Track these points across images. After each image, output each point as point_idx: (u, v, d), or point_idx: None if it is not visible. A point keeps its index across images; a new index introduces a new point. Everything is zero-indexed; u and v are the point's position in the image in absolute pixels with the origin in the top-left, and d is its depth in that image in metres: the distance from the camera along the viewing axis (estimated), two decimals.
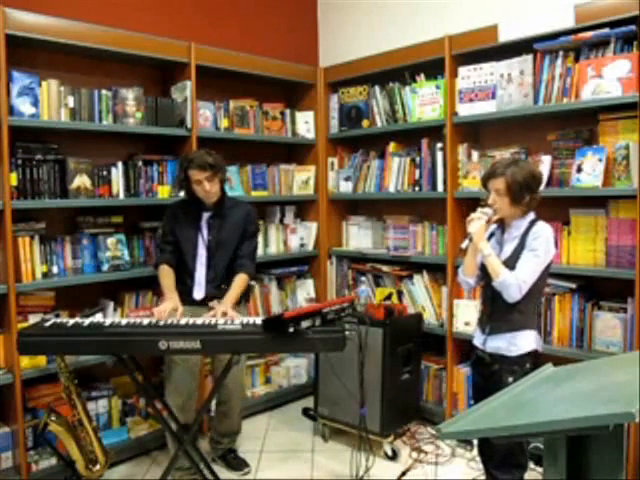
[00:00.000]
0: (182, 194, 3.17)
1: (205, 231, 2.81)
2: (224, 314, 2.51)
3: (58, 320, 2.46)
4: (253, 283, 3.66)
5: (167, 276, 2.78)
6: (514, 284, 2.17)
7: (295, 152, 4.07)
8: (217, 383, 2.52)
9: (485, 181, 2.30)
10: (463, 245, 2.34)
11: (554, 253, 2.28)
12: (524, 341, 2.25)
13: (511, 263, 2.23)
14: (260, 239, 3.68)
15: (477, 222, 2.27)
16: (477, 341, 2.41)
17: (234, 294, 2.71)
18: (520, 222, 2.28)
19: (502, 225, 2.35)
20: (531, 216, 2.29)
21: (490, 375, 2.30)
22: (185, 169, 2.72)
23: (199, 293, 2.81)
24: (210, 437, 3.08)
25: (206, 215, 2.82)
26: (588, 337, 2.77)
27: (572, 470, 1.31)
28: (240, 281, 2.77)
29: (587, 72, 2.67)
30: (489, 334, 2.32)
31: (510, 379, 2.18)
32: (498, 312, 2.29)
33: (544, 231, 2.23)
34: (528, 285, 2.19)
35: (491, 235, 2.39)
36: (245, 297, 3.03)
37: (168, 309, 2.57)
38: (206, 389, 3.19)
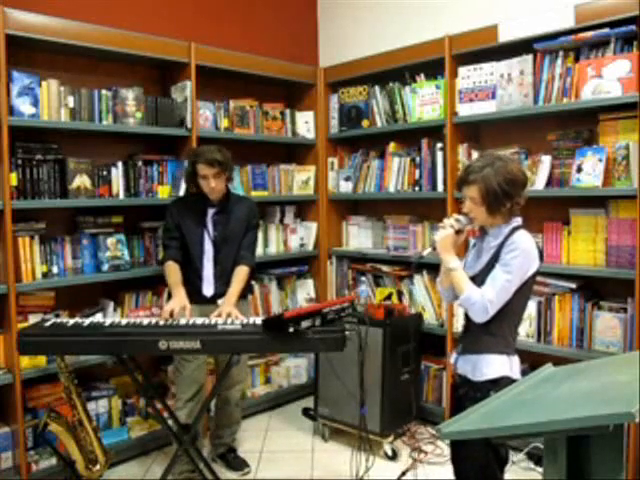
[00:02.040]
0: (182, 191, 3.17)
1: (211, 227, 2.82)
2: (229, 315, 2.52)
3: (58, 320, 2.45)
4: (253, 283, 3.66)
5: (174, 273, 2.76)
6: (479, 303, 1.91)
7: (295, 152, 4.07)
8: (218, 382, 2.52)
9: (459, 186, 2.02)
10: (424, 252, 2.13)
11: (537, 267, 1.97)
12: (490, 367, 1.97)
13: (481, 277, 1.97)
14: (260, 239, 3.69)
15: (444, 231, 2.02)
16: (452, 359, 2.18)
17: (236, 290, 2.71)
18: (500, 230, 1.99)
19: (484, 232, 2.08)
20: (515, 222, 2.00)
21: (458, 398, 2.11)
22: (193, 162, 2.73)
23: (208, 290, 2.81)
24: (211, 434, 3.09)
25: (211, 211, 2.82)
26: (588, 337, 2.77)
27: (572, 470, 1.31)
28: (241, 274, 2.77)
29: (587, 72, 2.67)
30: (460, 354, 2.10)
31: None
32: (471, 331, 2.05)
33: (522, 243, 1.92)
34: (496, 305, 1.91)
35: (475, 243, 2.16)
36: (250, 292, 3.07)
37: (176, 308, 2.56)
38: (208, 387, 3.19)
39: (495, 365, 1.97)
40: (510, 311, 1.97)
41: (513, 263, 1.90)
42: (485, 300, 1.90)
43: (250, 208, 2.90)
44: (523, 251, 1.92)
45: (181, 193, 3.21)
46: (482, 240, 2.08)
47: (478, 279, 1.98)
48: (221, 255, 2.81)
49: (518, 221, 2.01)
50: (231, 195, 2.90)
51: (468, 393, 2.02)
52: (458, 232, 2.05)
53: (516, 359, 2.02)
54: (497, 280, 1.91)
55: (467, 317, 2.07)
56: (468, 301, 1.95)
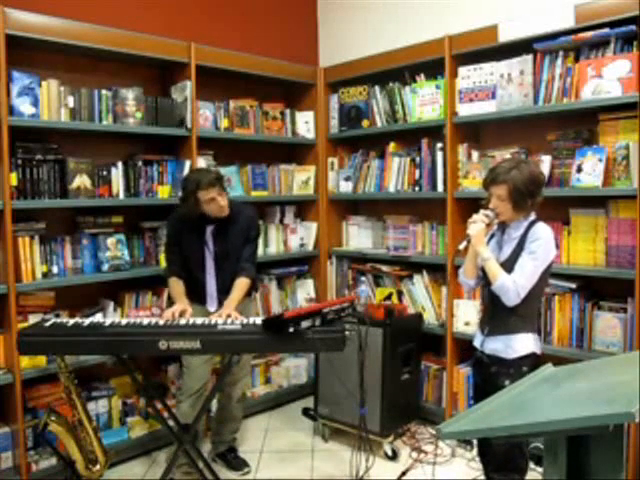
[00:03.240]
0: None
1: (211, 244, 2.79)
2: (228, 317, 2.52)
3: (58, 320, 2.46)
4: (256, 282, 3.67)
5: (177, 287, 2.78)
6: (512, 289, 2.15)
7: (295, 152, 4.07)
8: (218, 382, 2.52)
9: (487, 185, 2.26)
10: (461, 246, 2.32)
11: (555, 254, 2.24)
12: (521, 344, 2.22)
13: (509, 265, 2.20)
14: (260, 239, 3.69)
15: (477, 225, 2.23)
16: (476, 342, 2.40)
17: (236, 297, 2.71)
18: (520, 223, 2.25)
19: (503, 225, 2.32)
20: (532, 217, 2.26)
21: (488, 377, 2.29)
22: (194, 192, 2.61)
23: (212, 305, 2.82)
24: (212, 431, 3.09)
25: (210, 228, 2.77)
26: (588, 337, 2.77)
27: (572, 470, 1.31)
28: (241, 284, 2.76)
29: (587, 72, 2.67)
30: (487, 335, 2.31)
31: (507, 382, 2.16)
32: (497, 314, 2.27)
33: (543, 233, 2.19)
34: (526, 289, 2.16)
35: (492, 236, 2.38)
36: (255, 290, 3.08)
37: (178, 310, 2.58)
38: (208, 386, 3.18)
39: (525, 343, 2.23)
40: (534, 294, 2.22)
41: (539, 251, 2.16)
42: (517, 286, 2.15)
43: (249, 220, 2.84)
44: (546, 240, 2.18)
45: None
46: (502, 232, 2.32)
47: (505, 267, 2.21)
48: (222, 269, 2.80)
49: (533, 215, 2.27)
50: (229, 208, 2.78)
51: (500, 370, 2.24)
52: (487, 226, 2.28)
53: (538, 336, 2.30)
54: (526, 267, 2.16)
55: (492, 303, 2.28)
56: (502, 287, 2.17)
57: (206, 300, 2.82)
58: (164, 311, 2.67)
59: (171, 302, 2.82)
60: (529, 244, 2.18)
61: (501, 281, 2.17)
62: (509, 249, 2.26)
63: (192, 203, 2.64)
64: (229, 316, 2.52)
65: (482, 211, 2.28)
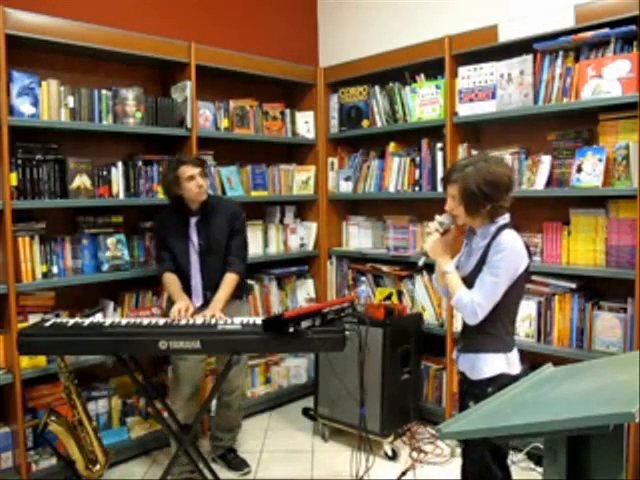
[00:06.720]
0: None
1: (195, 237, 2.79)
2: (212, 317, 2.52)
3: (58, 320, 2.45)
4: (253, 282, 3.66)
5: (173, 283, 2.78)
6: (469, 306, 1.93)
7: (295, 152, 4.07)
8: (218, 382, 2.52)
9: (444, 184, 2.05)
10: (420, 262, 2.21)
11: (526, 263, 1.96)
12: (488, 365, 1.99)
13: (471, 279, 1.99)
14: (260, 239, 3.70)
15: (431, 237, 2.06)
16: (454, 356, 2.21)
17: (223, 295, 2.70)
18: (487, 230, 1.99)
19: (473, 232, 2.09)
20: (502, 220, 1.98)
21: (463, 394, 2.16)
22: (175, 169, 2.69)
23: (197, 300, 2.80)
24: (211, 435, 3.08)
25: (193, 220, 2.79)
26: (588, 337, 2.77)
27: (572, 470, 1.31)
28: (229, 280, 2.75)
29: (587, 72, 2.67)
30: (460, 351, 2.14)
31: (471, 403, 1.95)
32: (468, 330, 2.07)
33: (507, 243, 1.91)
34: (485, 308, 1.93)
35: (466, 244, 2.17)
36: (246, 292, 3.06)
37: (184, 309, 2.57)
38: (207, 388, 3.19)
39: (492, 364, 1.99)
40: (503, 310, 1.98)
41: (500, 265, 1.91)
42: (474, 304, 1.93)
43: (232, 211, 2.84)
44: (510, 251, 1.91)
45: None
46: (471, 240, 2.10)
47: (468, 281, 2.01)
48: (207, 264, 2.79)
49: (506, 218, 1.99)
50: (210, 199, 2.81)
51: (468, 390, 2.08)
52: (445, 232, 2.08)
53: (513, 354, 2.03)
54: (485, 283, 1.93)
55: None
56: (459, 303, 1.98)
57: (191, 294, 2.80)
58: (170, 310, 2.65)
59: (171, 301, 2.81)
60: (491, 257, 1.93)
61: (459, 296, 1.97)
62: (474, 260, 2.03)
63: (171, 181, 2.69)
64: (213, 316, 2.52)
65: (437, 218, 2.10)
